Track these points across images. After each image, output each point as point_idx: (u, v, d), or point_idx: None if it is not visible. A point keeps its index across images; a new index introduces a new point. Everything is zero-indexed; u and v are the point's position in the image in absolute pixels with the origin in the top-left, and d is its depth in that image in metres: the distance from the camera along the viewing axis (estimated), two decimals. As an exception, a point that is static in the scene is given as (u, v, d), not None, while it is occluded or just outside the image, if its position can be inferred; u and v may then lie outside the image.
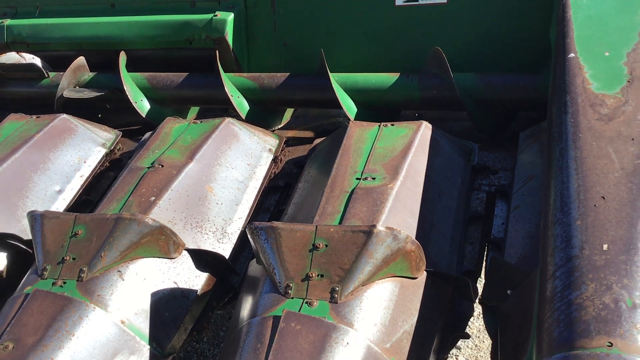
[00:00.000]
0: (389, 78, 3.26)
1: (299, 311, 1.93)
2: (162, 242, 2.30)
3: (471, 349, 3.18)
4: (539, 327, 1.80)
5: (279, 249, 2.06)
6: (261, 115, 3.48)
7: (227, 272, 2.50)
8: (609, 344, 1.61)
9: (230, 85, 3.40)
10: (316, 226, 2.06)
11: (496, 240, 2.47)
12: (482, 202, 2.72)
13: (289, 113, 3.74)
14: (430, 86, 3.17)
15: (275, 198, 2.95)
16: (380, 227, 2.00)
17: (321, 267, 2.00)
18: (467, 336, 2.27)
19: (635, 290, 1.72)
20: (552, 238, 1.97)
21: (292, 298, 1.98)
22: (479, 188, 2.79)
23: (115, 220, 2.23)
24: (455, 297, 2.28)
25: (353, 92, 3.29)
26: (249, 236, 2.15)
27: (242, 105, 3.42)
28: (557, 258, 1.89)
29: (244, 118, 3.37)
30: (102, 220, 2.25)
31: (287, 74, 3.43)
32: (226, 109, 3.65)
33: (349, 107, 3.25)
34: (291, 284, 2.00)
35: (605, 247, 1.83)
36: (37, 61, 3.91)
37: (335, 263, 2.00)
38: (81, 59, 3.73)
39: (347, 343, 1.85)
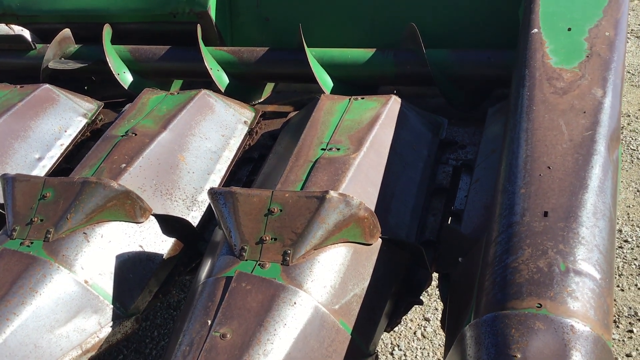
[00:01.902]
0: (365, 53, 3.30)
1: (252, 272, 2.00)
2: (128, 207, 2.37)
3: (440, 320, 3.24)
4: (479, 289, 1.87)
5: (236, 213, 2.12)
6: (241, 89, 3.54)
7: (194, 239, 2.58)
8: (539, 305, 1.67)
9: (210, 58, 3.46)
10: (272, 191, 2.13)
11: (457, 212, 2.52)
12: (448, 175, 2.77)
13: (269, 87, 3.79)
14: (404, 62, 3.21)
15: (249, 169, 3.01)
16: (333, 193, 2.06)
17: (275, 231, 2.07)
18: (421, 302, 2.33)
19: (570, 256, 1.78)
20: (498, 206, 2.03)
21: (246, 260, 2.05)
22: (446, 162, 2.84)
23: (81, 184, 2.31)
24: (411, 265, 2.34)
25: (330, 67, 3.33)
26: (210, 200, 2.22)
27: (221, 78, 3.47)
28: (500, 224, 1.95)
29: (222, 91, 3.43)
30: (70, 183, 2.33)
31: (267, 48, 3.48)
32: (209, 83, 3.71)
33: (325, 82, 3.30)
34: (246, 247, 2.07)
35: (546, 213, 1.88)
36: (26, 33, 3.98)
37: (288, 227, 2.06)
38: (66, 31, 3.79)
39: (295, 303, 1.92)
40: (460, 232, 2.26)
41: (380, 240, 2.21)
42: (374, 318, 2.13)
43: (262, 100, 3.72)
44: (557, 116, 2.17)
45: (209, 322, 1.88)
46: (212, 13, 3.64)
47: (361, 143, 2.55)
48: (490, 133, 2.78)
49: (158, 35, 3.86)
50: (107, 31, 3.61)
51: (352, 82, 3.37)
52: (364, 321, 2.07)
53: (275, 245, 2.05)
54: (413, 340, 3.04)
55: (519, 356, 1.55)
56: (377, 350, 2.20)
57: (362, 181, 2.42)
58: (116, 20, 3.79)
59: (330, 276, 2.04)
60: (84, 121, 3.32)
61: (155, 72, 3.67)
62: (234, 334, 1.83)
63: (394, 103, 2.84)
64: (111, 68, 3.52)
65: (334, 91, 3.30)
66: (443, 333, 3.21)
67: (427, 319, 3.16)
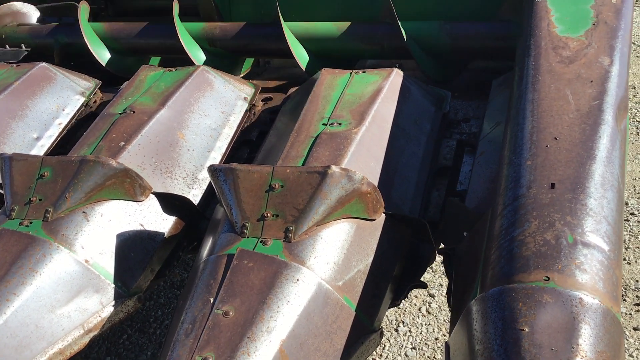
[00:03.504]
0: (341, 26, 3.23)
1: (254, 249, 1.97)
2: (128, 185, 2.34)
3: (445, 297, 3.22)
4: (485, 264, 1.84)
5: (237, 189, 2.09)
6: (218, 65, 3.46)
7: (195, 217, 2.55)
8: (546, 278, 1.63)
9: (186, 34, 3.39)
10: (273, 167, 2.09)
11: (461, 193, 2.48)
12: (452, 149, 2.73)
13: (248, 63, 3.73)
14: (381, 35, 3.15)
15: (249, 146, 2.97)
16: (335, 168, 2.02)
17: (276, 207, 2.04)
18: (424, 285, 2.30)
19: (578, 228, 1.74)
20: (504, 178, 1.99)
21: (248, 237, 2.02)
22: (450, 136, 2.80)
23: (79, 163, 2.27)
24: (415, 241, 2.31)
25: (307, 41, 3.26)
26: (210, 178, 2.19)
27: (197, 55, 3.42)
28: (505, 197, 1.91)
29: None
30: (68, 162, 2.29)
31: (243, 23, 3.42)
32: (186, 60, 3.64)
33: (301, 56, 3.24)
34: (247, 224, 2.04)
35: (552, 185, 1.84)
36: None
37: (290, 203, 2.03)
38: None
39: (298, 280, 1.89)
40: (464, 206, 2.23)
41: (383, 215, 2.17)
42: (378, 294, 2.10)
43: (241, 75, 3.65)
44: (564, 86, 2.12)
45: (211, 299, 1.85)
46: None
47: (363, 117, 2.51)
48: (494, 105, 2.74)
49: (154, 11, 3.80)
50: (83, 7, 3.55)
51: (328, 57, 3.31)
52: (368, 297, 2.04)
53: (277, 222, 2.02)
54: (418, 317, 3.02)
55: (526, 330, 1.52)
56: (382, 327, 2.18)
57: (364, 156, 2.38)
58: None
59: (333, 252, 2.00)
60: (81, 99, 3.28)
61: (133, 49, 3.62)
62: (236, 311, 1.80)
63: (396, 76, 2.79)
64: (88, 46, 3.47)
65: (309, 66, 3.23)
66: (448, 309, 3.20)
67: (431, 295, 3.13)
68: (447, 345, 1.91)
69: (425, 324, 3.00)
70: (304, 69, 3.19)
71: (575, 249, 1.70)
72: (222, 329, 1.77)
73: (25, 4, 4.01)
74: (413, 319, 3.02)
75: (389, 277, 2.17)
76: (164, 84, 2.95)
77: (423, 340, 2.90)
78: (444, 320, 2.98)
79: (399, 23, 3.02)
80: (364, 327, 2.02)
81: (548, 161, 1.91)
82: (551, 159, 1.91)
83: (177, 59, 3.59)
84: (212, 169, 2.16)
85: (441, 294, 3.16)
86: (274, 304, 1.82)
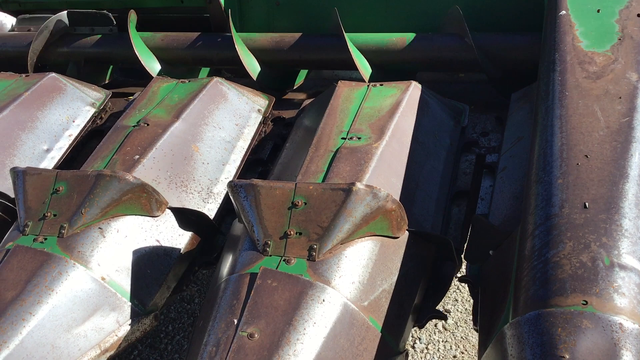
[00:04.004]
0: (403, 37, 3.18)
1: (277, 268, 1.92)
2: (144, 200, 2.29)
3: (461, 312, 3.18)
4: (517, 285, 1.79)
5: (258, 206, 2.04)
6: (273, 77, 3.41)
7: (211, 232, 2.50)
8: (584, 302, 1.59)
9: (241, 44, 3.32)
10: (295, 184, 2.04)
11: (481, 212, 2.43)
12: (472, 164, 2.68)
13: (302, 74, 3.65)
14: (446, 46, 3.10)
15: (264, 159, 2.92)
16: (359, 185, 1.98)
17: (300, 225, 1.99)
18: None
19: (614, 249, 1.70)
20: (534, 197, 1.95)
21: (270, 256, 1.97)
22: (469, 150, 2.76)
23: (95, 177, 2.22)
24: (438, 258, 2.26)
25: (366, 52, 3.21)
26: (229, 194, 2.14)
27: (253, 65, 3.34)
28: (537, 217, 1.86)
29: (255, 79, 3.30)
30: (83, 177, 2.24)
31: (299, 34, 3.35)
32: (236, 70, 3.57)
33: (365, 67, 3.18)
34: (269, 242, 1.99)
35: (586, 205, 1.80)
36: None
37: (314, 221, 1.98)
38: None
39: (324, 300, 1.84)
40: (489, 223, 2.18)
41: (407, 233, 2.13)
42: (403, 314, 2.05)
43: (295, 87, 3.58)
44: (592, 102, 2.08)
45: (235, 321, 1.80)
46: None
47: (383, 131, 2.47)
48: (515, 119, 2.69)
49: (165, 22, 3.75)
50: (132, 17, 3.46)
51: (388, 68, 3.25)
52: (393, 318, 1.99)
53: (301, 240, 1.97)
54: (434, 333, 2.97)
55: (567, 357, 1.48)
56: (407, 348, 2.13)
57: (385, 171, 2.34)
58: (121, 7, 3.68)
59: (358, 271, 1.96)
60: (92, 110, 3.22)
61: (183, 60, 3.54)
62: (261, 333, 1.75)
63: (414, 89, 2.75)
64: (138, 56, 3.38)
65: (372, 78, 3.17)
66: (464, 325, 3.14)
67: (447, 311, 3.08)
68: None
69: (443, 341, 2.94)
70: (366, 80, 3.10)
71: (612, 272, 1.65)
72: (248, 352, 1.72)
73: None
74: (429, 335, 2.97)
75: (413, 296, 2.12)
76: (177, 96, 2.90)
77: (441, 357, 2.85)
78: (461, 337, 2.93)
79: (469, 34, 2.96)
80: (390, 349, 1.97)
81: (580, 180, 1.86)
82: (583, 178, 1.87)
83: (226, 70, 3.51)
84: (232, 185, 2.11)
85: (457, 310, 3.12)
86: (300, 325, 1.77)
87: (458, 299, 3.20)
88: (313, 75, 3.73)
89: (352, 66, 3.13)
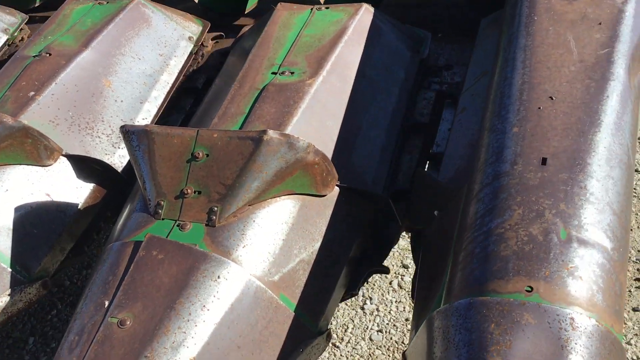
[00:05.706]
0: None
1: (167, 236, 1.57)
2: (29, 147, 1.94)
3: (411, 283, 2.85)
4: (454, 260, 1.45)
5: (152, 158, 1.68)
6: None
7: (119, 184, 2.14)
8: (529, 289, 1.25)
9: None
10: (197, 131, 1.67)
11: (438, 155, 2.06)
12: (430, 103, 2.29)
13: None
14: None
15: (195, 94, 2.53)
16: (272, 133, 1.60)
17: (199, 181, 1.63)
18: (387, 271, 1.92)
19: (573, 219, 1.34)
20: (484, 149, 1.58)
21: (162, 219, 1.62)
22: (428, 86, 2.36)
23: (-36, 121, 1.85)
24: (379, 217, 1.91)
25: None
26: (123, 141, 1.77)
27: None
28: (484, 175, 1.50)
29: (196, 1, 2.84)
30: (-49, 120, 1.87)
31: None
32: None
33: None
34: (162, 202, 1.64)
35: (544, 161, 1.43)
36: None
37: (216, 177, 1.62)
38: None
39: (219, 277, 1.50)
40: (435, 179, 1.82)
41: (337, 189, 1.76)
42: (327, 287, 1.72)
43: (247, 11, 3.09)
44: (565, 29, 1.68)
45: (107, 303, 1.47)
46: None
47: (320, 65, 2.07)
48: (482, 50, 2.28)
49: None
50: None
51: None
52: (312, 293, 1.66)
53: (199, 200, 1.62)
54: (388, 292, 2.66)
55: (498, 364, 1.15)
56: (330, 327, 1.82)
57: (319, 113, 1.96)
58: None
59: (268, 239, 1.61)
60: (3, 37, 2.81)
61: None
62: (135, 319, 1.42)
63: (365, 13, 2.32)
64: None
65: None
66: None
67: (405, 266, 2.76)
68: (404, 356, 1.54)
69: (396, 301, 2.63)
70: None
71: (568, 248, 1.30)
72: (115, 343, 1.39)
73: None
74: (382, 294, 2.66)
75: (342, 264, 1.78)
76: (90, 20, 2.49)
77: (392, 321, 2.55)
78: (418, 297, 2.61)
79: None
80: (306, 331, 1.65)
81: (540, 128, 1.49)
82: (544, 126, 1.49)
83: None
84: (125, 130, 1.74)
85: (418, 263, 2.78)
86: (184, 310, 1.44)
87: (419, 253, 2.85)
88: None
89: None
